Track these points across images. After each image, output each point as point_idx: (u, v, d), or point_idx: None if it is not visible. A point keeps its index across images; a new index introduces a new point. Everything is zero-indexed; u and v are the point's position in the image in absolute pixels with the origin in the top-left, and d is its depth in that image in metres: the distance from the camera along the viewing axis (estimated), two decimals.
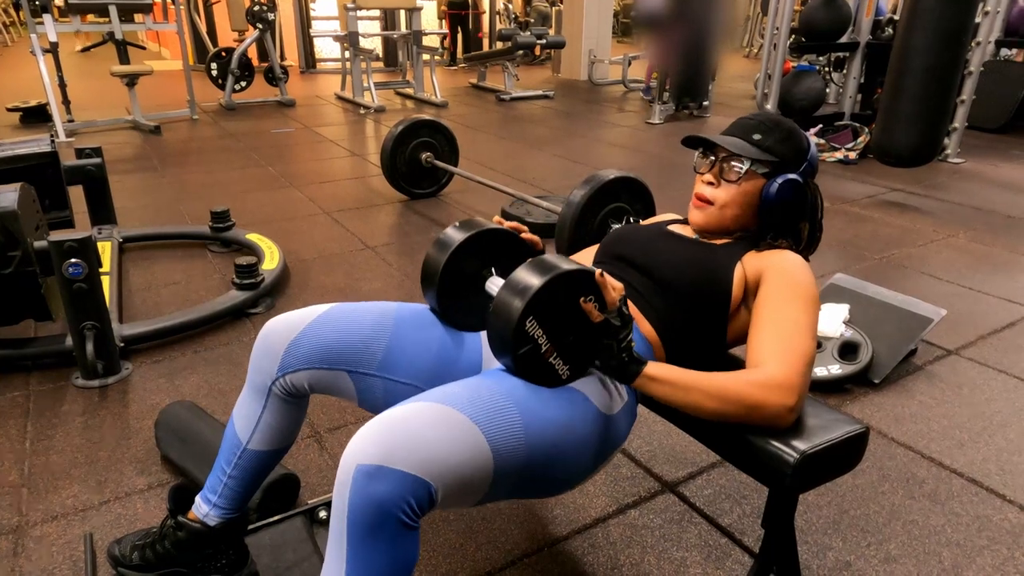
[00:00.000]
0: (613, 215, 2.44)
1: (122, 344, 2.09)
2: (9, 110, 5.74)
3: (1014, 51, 6.41)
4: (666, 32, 6.16)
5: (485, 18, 11.55)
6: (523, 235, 1.18)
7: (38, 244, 1.87)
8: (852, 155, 4.78)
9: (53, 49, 5.23)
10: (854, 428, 1.01)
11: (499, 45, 8.37)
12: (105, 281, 2.36)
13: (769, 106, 5.28)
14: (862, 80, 5.46)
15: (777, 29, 5.24)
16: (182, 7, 6.67)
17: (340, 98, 7.44)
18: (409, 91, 7.63)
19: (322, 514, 1.40)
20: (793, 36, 5.48)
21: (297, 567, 1.28)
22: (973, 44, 4.38)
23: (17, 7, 12.56)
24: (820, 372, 1.99)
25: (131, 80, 5.49)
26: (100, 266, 1.96)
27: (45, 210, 2.39)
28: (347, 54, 7.18)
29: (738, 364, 1.20)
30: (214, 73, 6.83)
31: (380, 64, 9.85)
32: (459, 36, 10.73)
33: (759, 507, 1.51)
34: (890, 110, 3.88)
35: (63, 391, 1.95)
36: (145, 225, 3.31)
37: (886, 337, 2.08)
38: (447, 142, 3.85)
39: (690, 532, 1.45)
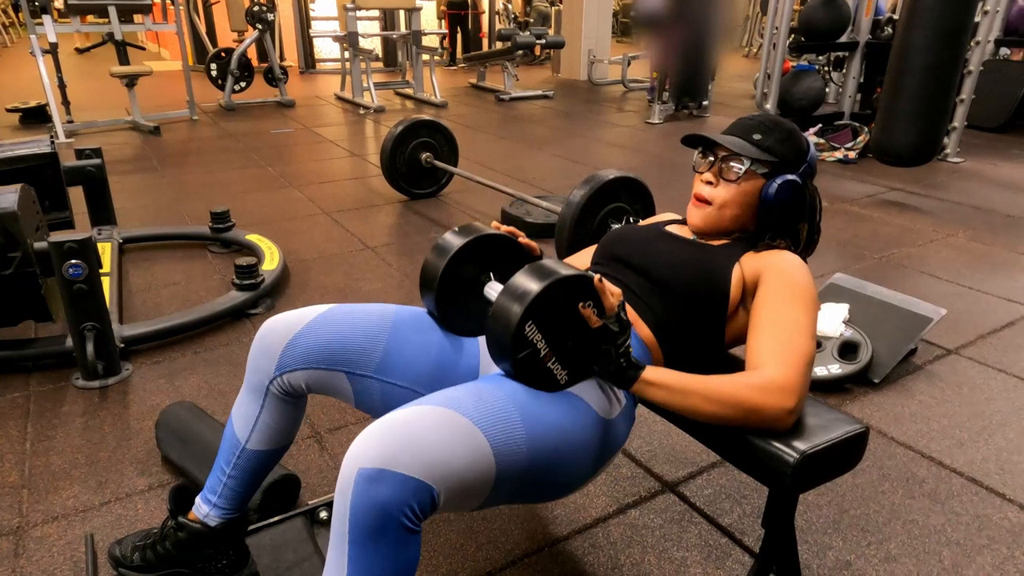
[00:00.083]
0: (613, 215, 2.44)
1: (122, 345, 2.09)
2: (9, 111, 5.74)
3: (1011, 50, 6.40)
4: (665, 32, 6.16)
5: (485, 18, 11.55)
6: (520, 240, 1.18)
7: (38, 245, 1.87)
8: (852, 154, 4.78)
9: (53, 50, 5.23)
10: (854, 428, 1.01)
11: (498, 45, 8.37)
12: (105, 282, 2.36)
13: (769, 106, 5.28)
14: (861, 79, 5.46)
15: (776, 29, 5.24)
16: (181, 8, 6.68)
17: (340, 98, 7.44)
18: (409, 91, 7.63)
19: (323, 514, 1.40)
20: (792, 36, 5.48)
21: (297, 567, 1.28)
22: (972, 43, 4.38)
23: (16, 8, 12.57)
24: (820, 372, 1.99)
25: (130, 81, 5.49)
26: (100, 267, 1.96)
27: (45, 211, 2.39)
28: (346, 54, 7.18)
29: (738, 364, 1.20)
30: (213, 74, 6.83)
31: (379, 64, 9.85)
32: (458, 36, 10.73)
33: (759, 507, 1.51)
34: (889, 109, 3.88)
35: (63, 392, 1.95)
36: (145, 226, 3.31)
37: (886, 337, 2.08)
38: (447, 142, 3.85)
39: (690, 532, 1.45)
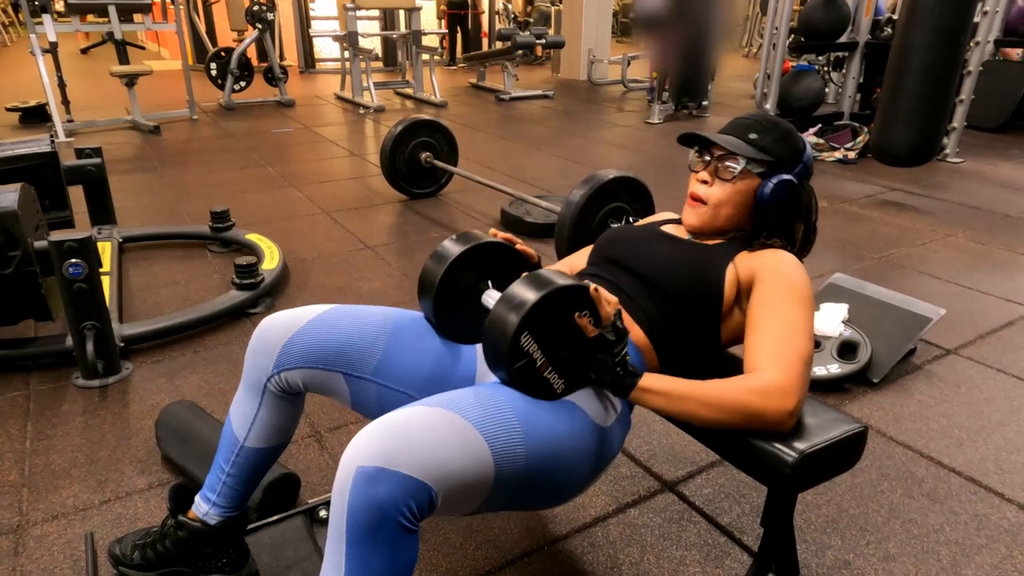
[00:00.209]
0: (612, 215, 2.45)
1: (122, 344, 2.09)
2: (8, 110, 5.74)
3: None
4: (665, 32, 6.17)
5: (485, 18, 11.55)
6: (518, 246, 1.18)
7: (38, 244, 1.87)
8: (851, 155, 4.78)
9: (52, 49, 5.23)
10: (852, 427, 1.02)
11: (498, 45, 8.37)
12: (105, 281, 2.36)
13: (768, 106, 5.28)
14: (861, 80, 5.46)
15: (776, 29, 5.24)
16: (181, 7, 6.67)
17: (339, 98, 7.44)
18: (408, 91, 7.63)
19: (322, 513, 1.40)
20: (792, 36, 5.48)
21: (297, 566, 1.28)
22: (972, 44, 4.38)
23: (16, 7, 12.56)
24: (819, 371, 1.99)
25: (130, 80, 5.49)
26: (100, 266, 1.96)
27: (45, 210, 2.39)
28: (346, 54, 7.18)
29: (735, 364, 1.20)
30: (213, 73, 6.83)
31: (379, 64, 9.84)
32: (458, 36, 10.74)
33: (758, 506, 1.52)
34: (889, 110, 3.88)
35: (63, 391, 1.96)
36: (145, 225, 3.31)
37: (885, 336, 2.09)
38: (446, 142, 3.85)
39: (689, 531, 1.45)
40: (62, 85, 5.71)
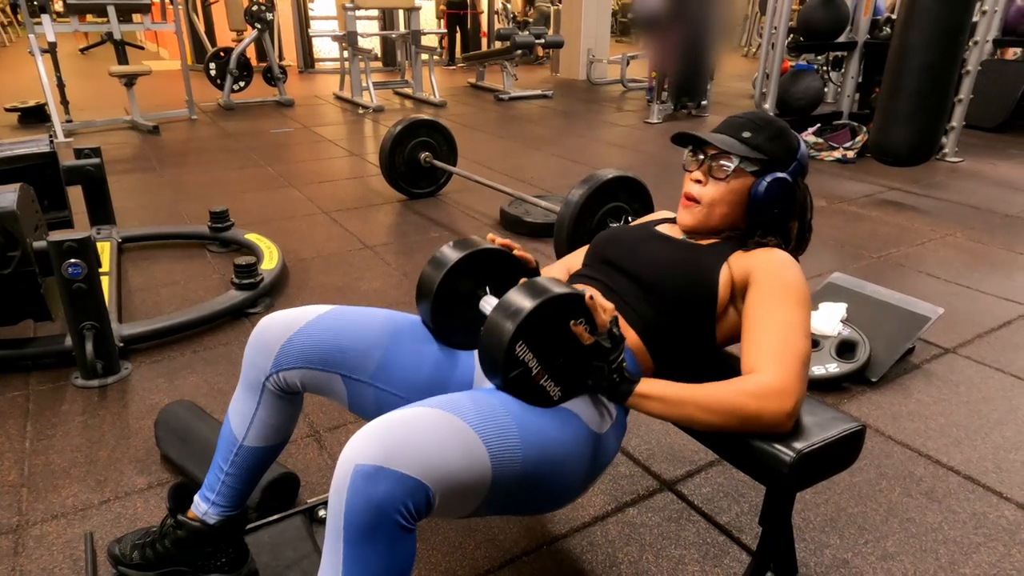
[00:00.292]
0: (611, 214, 2.45)
1: (121, 344, 2.09)
2: (7, 110, 5.73)
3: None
4: (664, 32, 6.17)
5: (484, 18, 11.55)
6: (516, 252, 1.18)
7: (37, 244, 1.88)
8: (850, 154, 4.79)
9: (51, 49, 5.22)
10: (851, 426, 1.02)
11: (497, 45, 8.37)
12: (104, 281, 2.36)
13: (767, 105, 5.28)
14: (860, 79, 5.47)
15: (775, 28, 5.24)
16: (180, 7, 6.67)
17: (339, 98, 7.44)
18: (408, 91, 7.63)
19: (321, 513, 1.40)
20: (791, 35, 5.48)
21: (296, 565, 1.28)
22: (971, 43, 4.39)
23: (15, 7, 12.55)
24: (818, 371, 1.99)
25: (129, 80, 5.49)
26: (99, 266, 1.96)
27: (44, 210, 2.39)
28: (345, 54, 7.18)
29: (732, 363, 1.20)
30: (212, 73, 6.83)
31: (378, 64, 9.84)
32: (457, 36, 10.74)
33: (757, 505, 1.52)
34: (888, 109, 3.89)
35: (63, 391, 1.96)
36: (144, 225, 3.31)
37: (884, 336, 2.09)
38: (446, 142, 3.85)
39: (688, 530, 1.45)
40: (61, 85, 5.71)
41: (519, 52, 7.34)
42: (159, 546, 1.20)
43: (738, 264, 1.12)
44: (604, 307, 0.97)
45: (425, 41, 7.26)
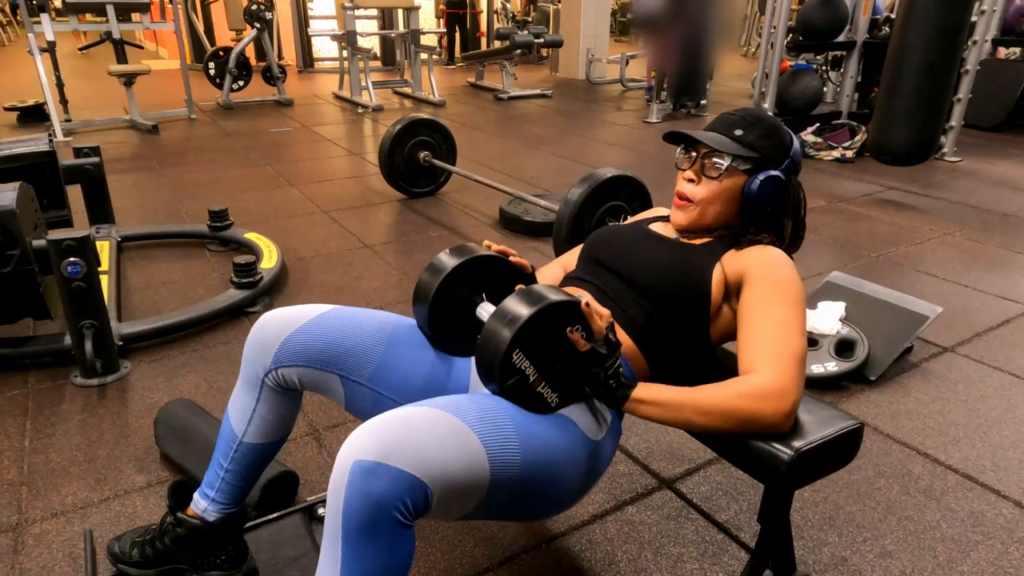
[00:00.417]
0: (610, 213, 2.45)
1: (121, 343, 2.09)
2: (7, 109, 5.73)
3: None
4: (664, 31, 6.17)
5: (483, 17, 11.55)
6: (512, 259, 1.18)
7: (37, 243, 1.88)
8: (849, 153, 4.79)
9: (51, 48, 5.22)
10: (849, 424, 1.02)
11: (497, 44, 8.37)
12: (104, 280, 2.36)
13: (766, 105, 5.29)
14: (859, 79, 5.47)
15: (774, 28, 5.24)
16: (179, 6, 6.67)
17: (338, 97, 7.44)
18: (407, 90, 7.63)
19: (321, 511, 1.40)
20: (790, 35, 5.49)
21: (296, 563, 1.28)
22: (969, 43, 4.39)
23: (14, 7, 12.54)
24: (816, 369, 2.00)
25: (129, 79, 5.48)
26: (98, 265, 1.96)
27: (43, 209, 2.39)
28: (345, 53, 7.17)
29: (727, 362, 1.20)
30: (212, 72, 6.83)
31: (378, 63, 9.84)
32: (457, 35, 10.73)
33: (755, 503, 1.52)
34: (887, 108, 3.89)
35: (62, 389, 1.96)
36: (143, 224, 3.31)
37: (882, 334, 2.09)
38: (445, 141, 3.85)
39: (687, 528, 1.46)
40: (60, 84, 5.71)
41: (518, 51, 7.34)
42: (159, 544, 1.20)
43: (731, 263, 1.11)
44: (600, 313, 0.97)
45: (424, 40, 7.25)
